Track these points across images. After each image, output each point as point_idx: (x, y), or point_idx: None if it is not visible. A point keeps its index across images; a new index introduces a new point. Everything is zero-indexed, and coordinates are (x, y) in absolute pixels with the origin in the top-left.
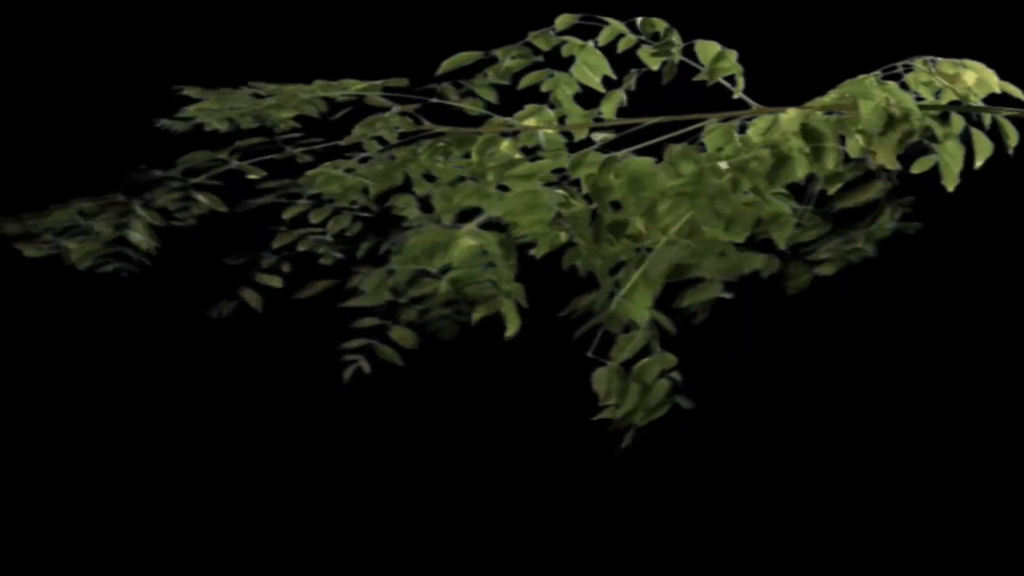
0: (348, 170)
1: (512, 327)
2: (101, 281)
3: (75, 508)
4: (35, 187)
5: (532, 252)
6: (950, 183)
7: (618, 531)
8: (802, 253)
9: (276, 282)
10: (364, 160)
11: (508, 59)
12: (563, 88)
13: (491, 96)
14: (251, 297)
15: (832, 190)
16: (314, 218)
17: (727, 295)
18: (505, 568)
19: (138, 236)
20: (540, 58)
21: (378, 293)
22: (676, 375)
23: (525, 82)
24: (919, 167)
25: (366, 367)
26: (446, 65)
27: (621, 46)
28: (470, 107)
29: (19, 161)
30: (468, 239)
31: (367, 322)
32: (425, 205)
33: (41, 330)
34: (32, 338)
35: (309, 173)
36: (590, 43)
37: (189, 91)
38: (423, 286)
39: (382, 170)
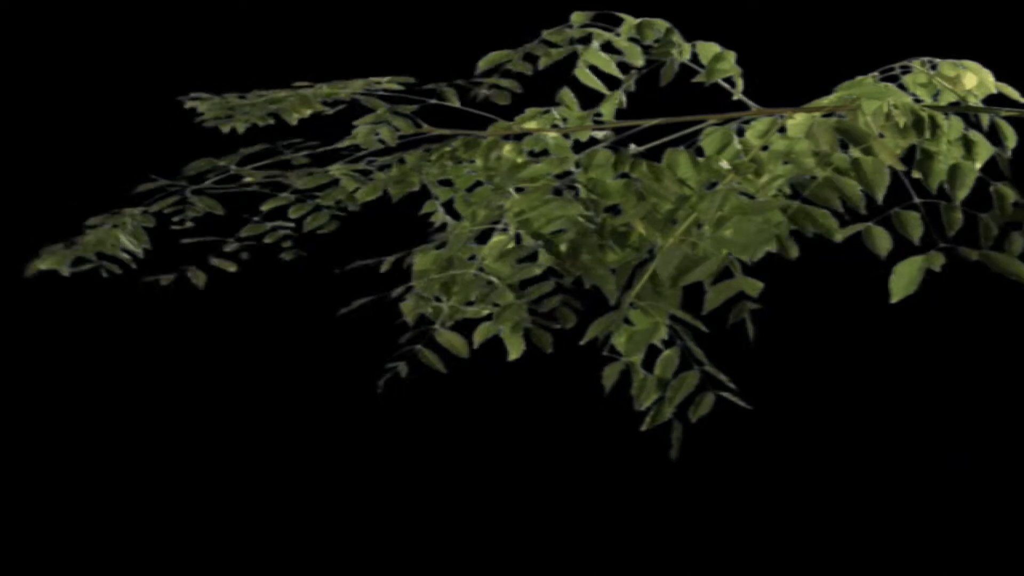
0: (362, 172)
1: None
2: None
3: (82, 511)
4: (43, 204)
5: (542, 259)
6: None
7: (649, 531)
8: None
9: (230, 267)
10: (372, 163)
11: (542, 54)
12: (566, 91)
13: (516, 87)
14: (199, 276)
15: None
16: (293, 213)
17: (759, 284)
18: (506, 568)
19: (126, 239)
20: (579, 46)
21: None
22: (711, 369)
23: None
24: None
25: (441, 367)
26: (483, 63)
27: (648, 37)
28: (498, 99)
29: (24, 175)
30: (498, 236)
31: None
32: (449, 209)
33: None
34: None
35: (331, 170)
36: (594, 44)
37: (192, 103)
38: (465, 288)
39: (397, 174)
